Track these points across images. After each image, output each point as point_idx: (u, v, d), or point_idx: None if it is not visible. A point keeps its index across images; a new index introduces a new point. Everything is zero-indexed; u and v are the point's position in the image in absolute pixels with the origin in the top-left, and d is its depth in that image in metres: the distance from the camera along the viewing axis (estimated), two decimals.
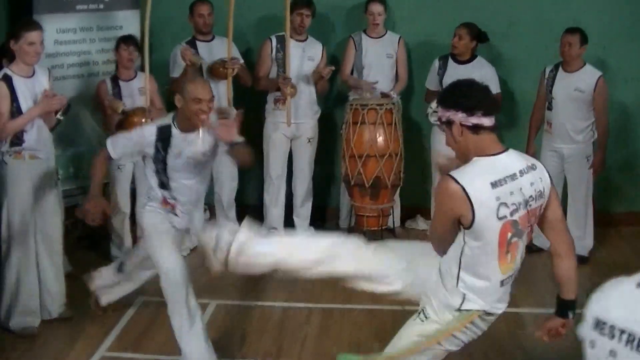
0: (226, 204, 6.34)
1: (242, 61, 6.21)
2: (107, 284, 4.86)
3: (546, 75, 6.01)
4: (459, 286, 3.08)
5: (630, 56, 6.60)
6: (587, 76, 5.88)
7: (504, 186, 2.94)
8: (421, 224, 6.64)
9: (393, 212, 6.37)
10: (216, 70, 5.97)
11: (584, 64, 5.92)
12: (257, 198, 6.74)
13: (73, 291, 5.32)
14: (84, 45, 6.12)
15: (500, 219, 2.94)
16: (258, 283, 5.65)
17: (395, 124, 6.11)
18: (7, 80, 4.61)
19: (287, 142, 6.39)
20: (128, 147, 4.30)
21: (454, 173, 2.96)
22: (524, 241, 3.11)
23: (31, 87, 4.69)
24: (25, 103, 4.64)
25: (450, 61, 6.28)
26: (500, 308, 3.20)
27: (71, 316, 5.01)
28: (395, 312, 5.10)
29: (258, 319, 5.07)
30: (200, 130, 4.21)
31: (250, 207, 6.81)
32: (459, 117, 2.98)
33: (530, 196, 3.02)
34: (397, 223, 6.58)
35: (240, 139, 4.15)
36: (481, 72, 6.23)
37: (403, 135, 6.22)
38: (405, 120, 6.52)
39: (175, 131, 4.22)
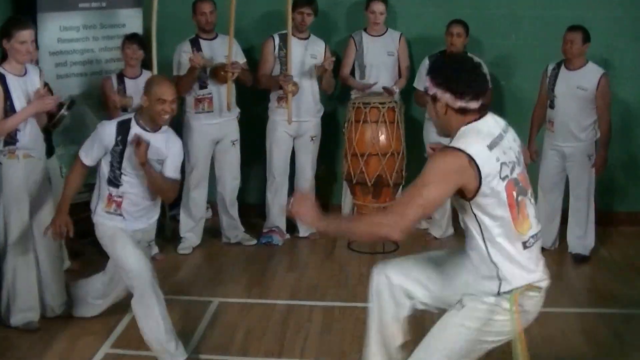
0: (228, 203, 6.34)
1: (244, 60, 6.22)
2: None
3: (548, 74, 6.01)
4: (493, 260, 3.05)
5: (633, 55, 6.61)
6: (590, 74, 5.89)
7: (497, 146, 2.97)
8: (422, 222, 6.65)
9: None
10: (217, 74, 5.99)
11: (587, 62, 5.93)
12: (260, 196, 6.75)
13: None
14: (87, 43, 6.13)
15: (503, 178, 2.96)
16: (261, 281, 5.68)
17: (397, 122, 6.12)
18: (1, 78, 4.63)
19: (290, 141, 6.40)
20: (95, 148, 4.42)
21: (455, 144, 2.95)
22: (532, 201, 3.12)
23: (24, 85, 4.71)
24: (18, 101, 4.65)
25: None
26: (539, 280, 3.14)
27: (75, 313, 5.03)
28: None
29: (261, 316, 5.08)
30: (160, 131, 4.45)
31: (252, 206, 6.85)
32: (446, 97, 2.98)
33: (519, 152, 3.09)
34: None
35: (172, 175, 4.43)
36: None
37: (405, 133, 6.23)
38: (407, 118, 6.53)
39: (135, 127, 4.39)
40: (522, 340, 3.14)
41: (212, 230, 6.55)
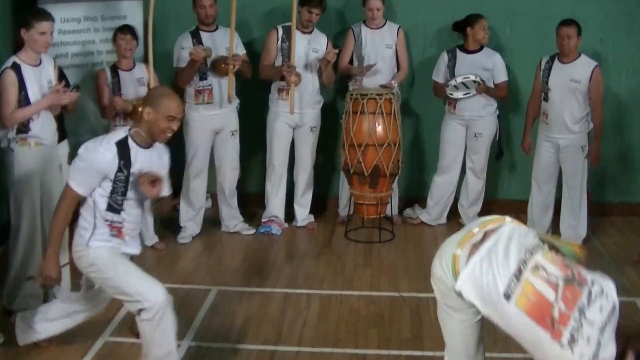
0: (228, 193, 6.41)
1: (244, 52, 6.27)
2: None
3: (542, 67, 6.07)
4: None
5: (626, 49, 6.67)
6: (583, 67, 5.95)
7: None
8: (419, 212, 6.75)
9: (391, 200, 6.46)
10: (218, 67, 6.04)
11: (579, 55, 5.98)
12: (259, 186, 6.82)
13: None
14: (88, 35, 6.17)
15: None
16: (259, 269, 5.75)
17: (394, 113, 6.19)
18: (16, 68, 4.71)
19: (290, 131, 6.47)
20: (93, 177, 3.89)
21: None
22: None
23: (38, 75, 4.79)
24: (32, 91, 4.74)
25: (459, 52, 6.35)
26: None
27: None
28: (392, 299, 5.24)
29: (259, 304, 5.16)
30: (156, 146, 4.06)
31: (252, 196, 6.92)
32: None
33: None
34: (395, 211, 6.69)
35: (166, 193, 4.05)
36: (492, 60, 6.34)
37: (402, 124, 6.31)
38: (404, 110, 6.61)
39: (133, 145, 3.95)
40: None
41: (211, 220, 6.61)
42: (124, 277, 3.96)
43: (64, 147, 5.62)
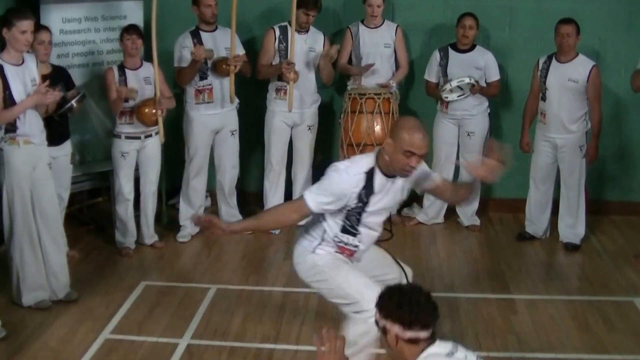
0: (227, 191, 6.43)
1: (243, 52, 6.26)
2: None
3: (540, 66, 6.07)
4: None
5: (625, 47, 6.65)
6: (581, 66, 5.94)
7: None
8: (417, 211, 6.76)
9: None
10: (219, 67, 6.06)
11: (577, 54, 5.99)
12: (258, 185, 6.84)
13: (78, 274, 5.47)
14: (89, 35, 6.19)
15: None
16: (258, 268, 5.77)
17: (392, 113, 6.20)
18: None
19: (288, 130, 6.49)
20: (330, 204, 3.77)
21: None
22: None
23: (22, 74, 4.79)
24: (17, 91, 4.75)
25: (451, 51, 6.35)
26: None
27: (76, 298, 5.14)
28: None
29: (257, 303, 5.18)
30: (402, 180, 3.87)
31: (251, 195, 6.94)
32: (395, 329, 2.82)
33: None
34: (394, 210, 6.70)
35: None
36: (484, 58, 6.33)
37: None
38: (403, 109, 6.62)
39: (378, 176, 3.79)
40: None
41: None
42: (345, 277, 3.87)
43: (67, 148, 5.67)
